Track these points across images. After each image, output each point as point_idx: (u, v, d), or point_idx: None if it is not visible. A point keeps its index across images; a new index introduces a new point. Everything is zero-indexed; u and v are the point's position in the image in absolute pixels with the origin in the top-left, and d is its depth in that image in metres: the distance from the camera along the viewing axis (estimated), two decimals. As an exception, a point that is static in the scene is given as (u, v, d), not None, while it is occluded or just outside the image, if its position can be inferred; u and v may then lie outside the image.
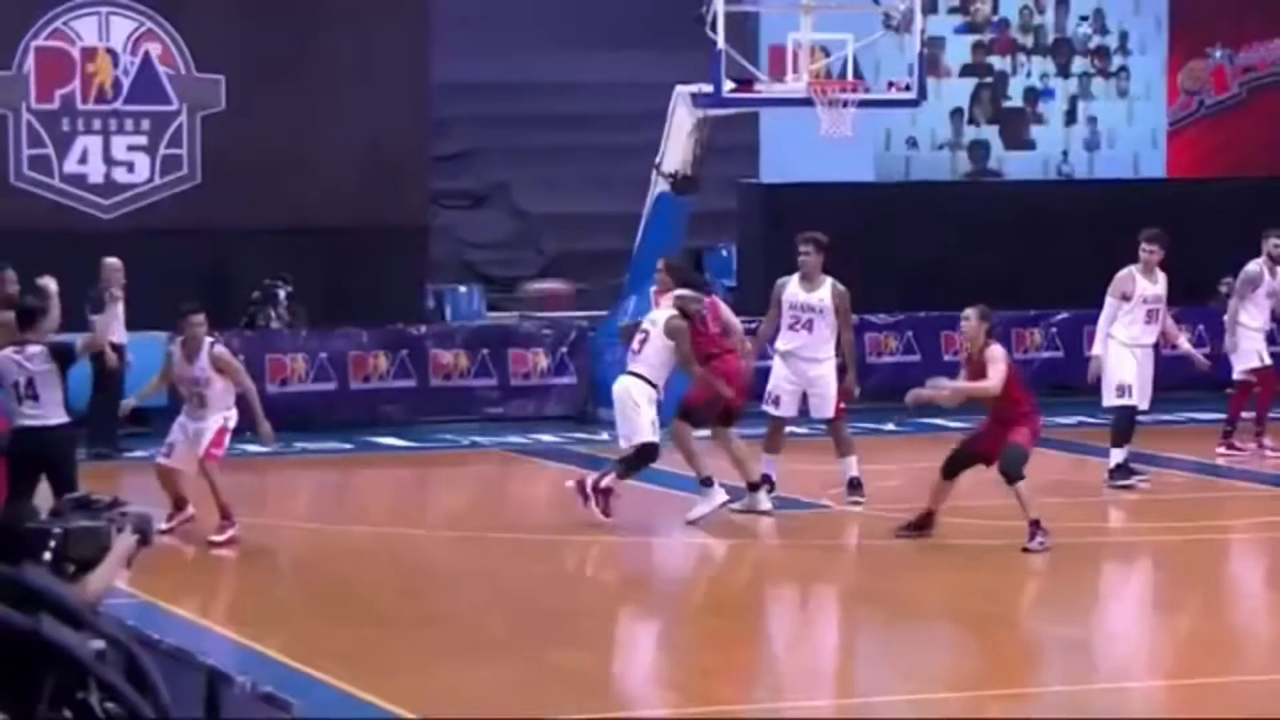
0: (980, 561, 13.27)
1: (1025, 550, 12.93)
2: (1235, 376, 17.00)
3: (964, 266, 20.45)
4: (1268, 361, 17.03)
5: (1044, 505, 13.99)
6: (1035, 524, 12.86)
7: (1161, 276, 15.81)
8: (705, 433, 14.73)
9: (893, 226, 21.56)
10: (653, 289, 15.07)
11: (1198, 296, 19.92)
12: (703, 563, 14.16)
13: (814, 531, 14.68)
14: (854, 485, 14.95)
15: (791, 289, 15.00)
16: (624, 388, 14.15)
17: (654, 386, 14.15)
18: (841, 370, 15.02)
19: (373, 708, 9.66)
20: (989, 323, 13.21)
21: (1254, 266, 17.12)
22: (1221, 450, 17.00)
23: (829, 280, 14.99)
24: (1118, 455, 15.50)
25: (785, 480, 15.17)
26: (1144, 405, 16.01)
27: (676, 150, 19.74)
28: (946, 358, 21.05)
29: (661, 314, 13.89)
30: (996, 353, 13.16)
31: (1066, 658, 10.88)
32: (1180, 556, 13.28)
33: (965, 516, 14.37)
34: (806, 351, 14.78)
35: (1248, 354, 16.97)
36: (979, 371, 13.43)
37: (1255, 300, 16.94)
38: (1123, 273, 15.81)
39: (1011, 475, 12.96)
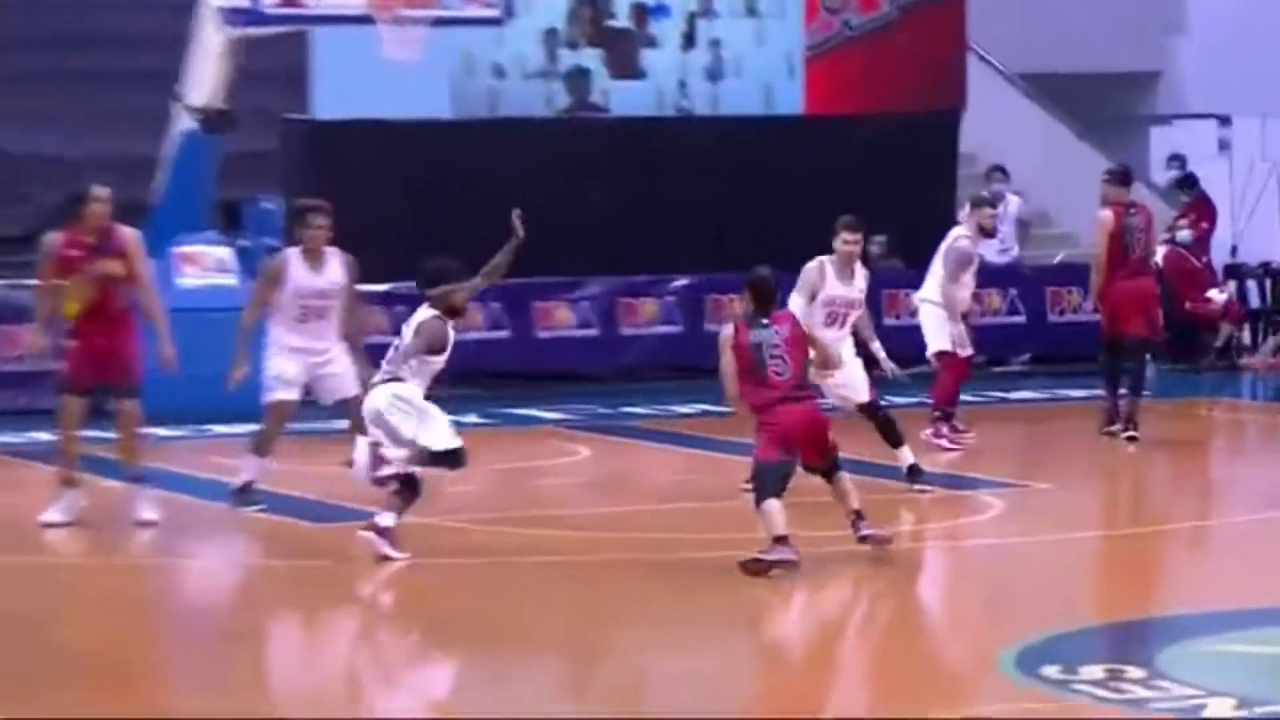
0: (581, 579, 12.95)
1: (746, 567, 12.36)
2: (933, 364, 17.18)
3: (562, 222, 19.66)
4: (969, 350, 17.08)
5: (660, 513, 14.49)
6: (781, 539, 12.36)
7: (861, 274, 15.41)
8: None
9: (475, 172, 20.70)
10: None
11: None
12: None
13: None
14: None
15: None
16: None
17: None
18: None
19: None
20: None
21: (964, 243, 16.97)
22: (930, 434, 17.03)
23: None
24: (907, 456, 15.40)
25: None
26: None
27: (205, 78, 19.32)
28: (542, 334, 21.05)
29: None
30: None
31: (672, 690, 10.44)
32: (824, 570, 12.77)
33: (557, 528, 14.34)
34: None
35: (940, 335, 16.95)
36: None
37: (963, 282, 16.94)
38: (812, 265, 15.32)
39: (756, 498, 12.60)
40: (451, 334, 12.78)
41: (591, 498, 15.79)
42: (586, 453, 17.17)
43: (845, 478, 12.71)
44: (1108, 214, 17.10)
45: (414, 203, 20.62)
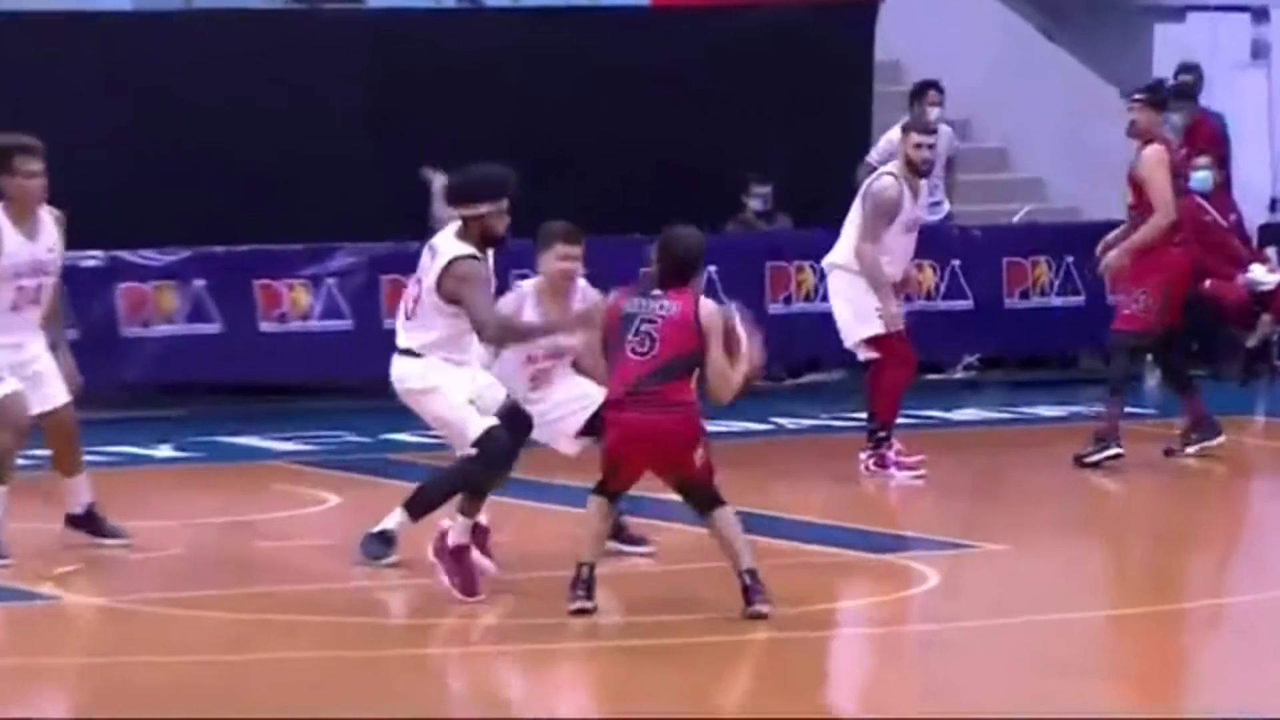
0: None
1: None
2: (860, 357, 15.32)
3: (298, 170, 17.25)
4: (900, 326, 15.04)
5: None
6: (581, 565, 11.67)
7: (583, 292, 13.89)
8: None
9: (170, 77, 17.44)
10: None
11: (721, 212, 17.66)
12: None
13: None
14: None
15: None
16: None
17: None
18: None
19: None
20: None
21: (888, 180, 14.98)
22: (870, 463, 15.18)
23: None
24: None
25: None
26: None
27: None
28: (264, 325, 17.64)
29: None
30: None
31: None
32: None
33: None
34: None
35: (865, 316, 14.86)
36: None
37: (889, 238, 14.93)
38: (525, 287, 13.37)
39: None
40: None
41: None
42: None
43: (727, 521, 11.52)
44: (1158, 149, 15.25)
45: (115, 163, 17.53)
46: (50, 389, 12.77)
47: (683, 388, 11.46)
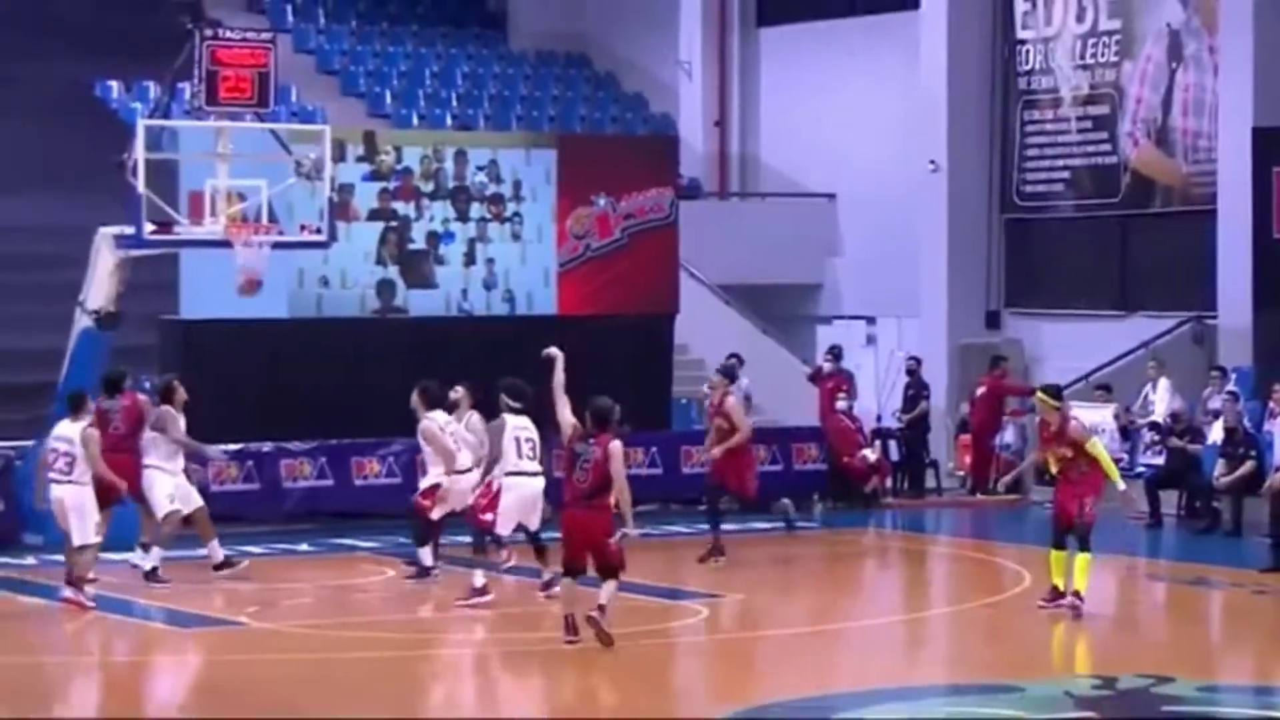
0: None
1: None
2: None
3: (374, 397, 22.34)
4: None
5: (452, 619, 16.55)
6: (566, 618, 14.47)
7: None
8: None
9: (306, 359, 23.74)
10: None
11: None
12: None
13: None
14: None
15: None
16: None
17: None
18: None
19: None
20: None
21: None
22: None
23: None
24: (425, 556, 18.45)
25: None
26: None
27: (100, 288, 21.67)
28: (358, 482, 23.15)
29: None
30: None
31: None
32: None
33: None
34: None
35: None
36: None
37: None
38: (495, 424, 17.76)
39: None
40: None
41: (396, 607, 17.79)
42: (392, 573, 19.35)
43: (611, 587, 14.15)
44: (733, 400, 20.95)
45: (260, 380, 23.13)
46: (192, 496, 18.59)
47: (604, 501, 14.17)
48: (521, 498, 17.70)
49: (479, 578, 17.70)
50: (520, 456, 17.58)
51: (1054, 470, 17.51)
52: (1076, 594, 17.43)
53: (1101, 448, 17.75)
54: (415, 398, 18.07)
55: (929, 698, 14.11)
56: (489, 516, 17.67)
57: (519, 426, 17.50)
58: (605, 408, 14.64)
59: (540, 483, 17.88)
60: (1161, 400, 25.60)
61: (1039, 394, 17.94)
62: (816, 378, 27.49)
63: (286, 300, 24.38)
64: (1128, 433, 25.55)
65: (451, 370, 20.08)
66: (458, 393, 18.64)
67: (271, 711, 13.34)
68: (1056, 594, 17.55)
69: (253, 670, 14.69)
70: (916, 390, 27.78)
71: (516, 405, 17.31)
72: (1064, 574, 17.48)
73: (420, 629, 17.11)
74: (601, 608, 14.38)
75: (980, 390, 27.27)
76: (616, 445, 14.47)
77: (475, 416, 18.68)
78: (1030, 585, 19.17)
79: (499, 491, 17.74)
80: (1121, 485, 17.72)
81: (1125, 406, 25.72)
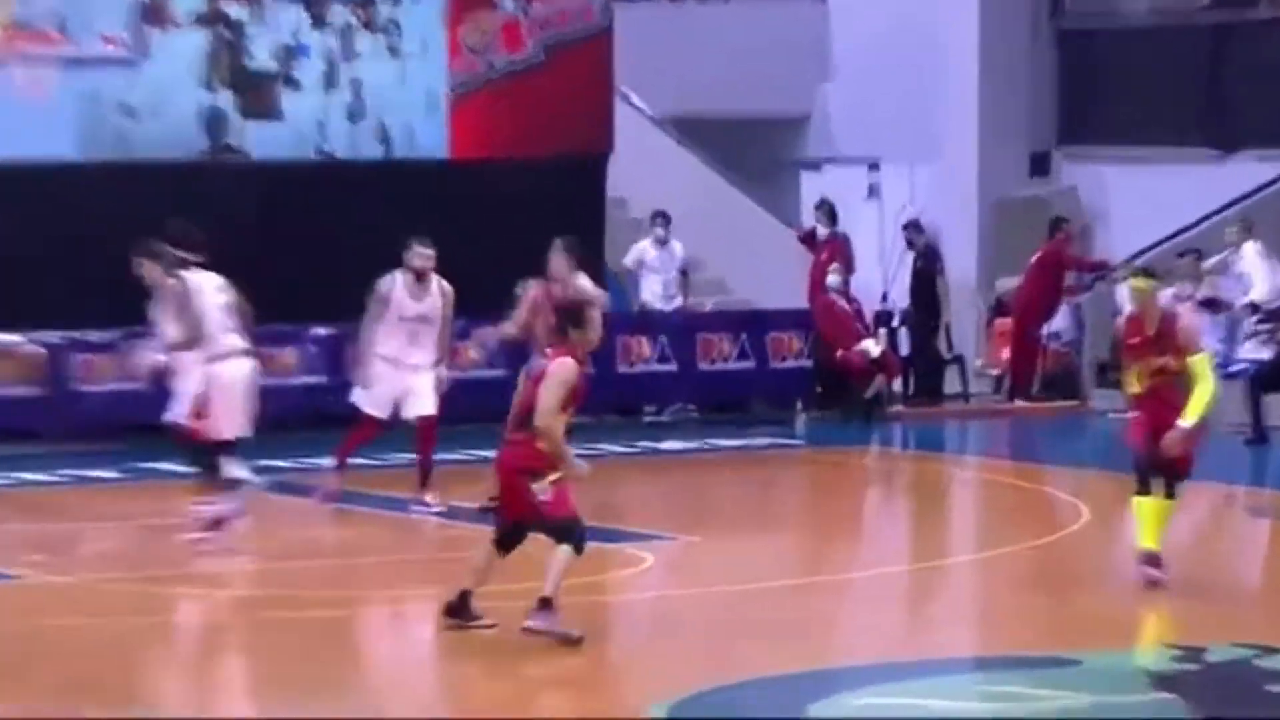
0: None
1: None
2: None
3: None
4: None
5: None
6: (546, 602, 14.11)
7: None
8: None
9: (102, 216, 22.98)
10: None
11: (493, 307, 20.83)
12: None
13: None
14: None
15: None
16: None
17: None
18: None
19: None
20: None
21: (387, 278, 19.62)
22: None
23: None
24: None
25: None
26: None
27: None
28: None
29: None
30: None
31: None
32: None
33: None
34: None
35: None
36: None
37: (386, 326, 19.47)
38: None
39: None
40: None
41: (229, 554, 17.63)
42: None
43: (560, 553, 13.83)
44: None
45: (43, 248, 23.02)
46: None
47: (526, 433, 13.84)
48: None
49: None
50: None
51: (1136, 388, 16.34)
52: (1150, 556, 16.35)
53: (1210, 366, 16.52)
54: None
55: (949, 675, 14.05)
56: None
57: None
58: (569, 307, 14.80)
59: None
60: (1258, 271, 25.65)
61: (1133, 280, 16.71)
62: (810, 241, 27.60)
63: (78, 136, 24.05)
64: (1217, 305, 25.76)
65: (305, 237, 20.94)
66: None
67: (56, 691, 13.49)
68: (1153, 558, 16.37)
69: (35, 637, 14.86)
70: (927, 262, 27.82)
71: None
72: (1156, 530, 16.39)
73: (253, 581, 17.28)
74: (544, 601, 14.03)
75: (1033, 259, 27.41)
76: (557, 364, 14.18)
77: None
78: (1089, 522, 19.48)
79: None
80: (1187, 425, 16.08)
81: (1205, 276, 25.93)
